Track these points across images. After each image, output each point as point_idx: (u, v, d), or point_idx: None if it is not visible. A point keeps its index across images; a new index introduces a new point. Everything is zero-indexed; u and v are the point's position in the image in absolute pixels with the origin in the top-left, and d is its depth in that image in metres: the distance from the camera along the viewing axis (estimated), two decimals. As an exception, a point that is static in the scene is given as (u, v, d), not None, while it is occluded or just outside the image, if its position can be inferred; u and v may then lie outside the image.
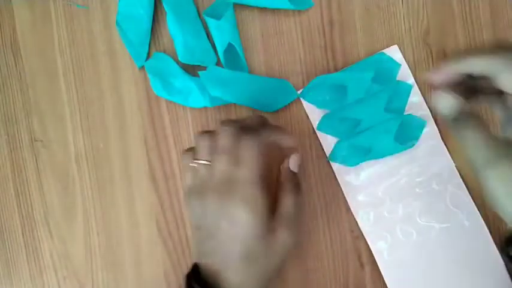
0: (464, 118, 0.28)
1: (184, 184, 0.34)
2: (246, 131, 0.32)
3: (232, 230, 0.31)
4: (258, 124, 0.34)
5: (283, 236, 0.31)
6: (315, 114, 0.40)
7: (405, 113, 0.40)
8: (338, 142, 0.40)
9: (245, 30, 0.41)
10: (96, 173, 0.41)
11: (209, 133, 0.33)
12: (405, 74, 0.40)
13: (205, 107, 0.41)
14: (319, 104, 0.40)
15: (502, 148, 0.26)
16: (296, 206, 0.33)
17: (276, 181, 0.35)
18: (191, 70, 0.41)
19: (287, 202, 0.33)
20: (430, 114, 0.40)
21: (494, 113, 0.28)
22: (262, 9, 0.41)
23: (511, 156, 0.26)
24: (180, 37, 0.39)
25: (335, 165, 0.40)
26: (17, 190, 0.42)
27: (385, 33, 0.41)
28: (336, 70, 0.41)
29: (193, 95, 0.39)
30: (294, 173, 0.35)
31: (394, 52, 0.40)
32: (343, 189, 0.40)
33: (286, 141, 0.34)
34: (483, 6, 0.41)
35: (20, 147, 0.42)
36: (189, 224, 0.41)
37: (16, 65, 0.42)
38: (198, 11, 0.41)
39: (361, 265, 0.40)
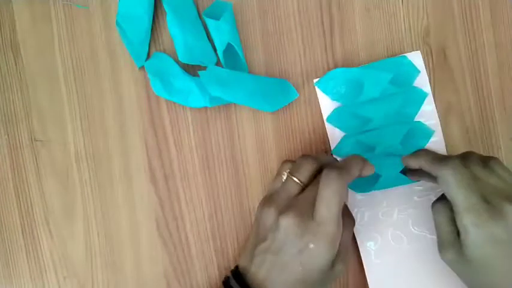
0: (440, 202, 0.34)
1: (271, 188, 0.36)
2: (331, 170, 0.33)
3: (302, 257, 0.32)
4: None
5: (339, 269, 0.33)
6: (327, 105, 0.40)
7: (415, 120, 0.40)
8: (345, 136, 0.40)
9: (245, 30, 0.41)
10: (96, 173, 0.41)
11: (316, 158, 0.35)
12: (423, 81, 0.40)
13: (205, 107, 0.41)
14: (333, 96, 0.40)
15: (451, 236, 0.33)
16: (349, 244, 0.35)
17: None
18: (191, 70, 0.41)
19: (348, 240, 0.35)
20: (440, 126, 0.40)
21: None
22: (262, 9, 0.41)
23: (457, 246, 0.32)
24: (180, 37, 0.39)
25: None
26: (17, 190, 0.42)
27: (385, 34, 0.41)
28: (336, 70, 0.41)
29: (193, 95, 0.39)
30: (349, 212, 0.37)
31: (415, 57, 0.40)
32: None
33: (368, 171, 0.35)
34: (483, 6, 0.41)
35: (20, 147, 0.42)
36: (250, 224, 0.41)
37: (16, 65, 0.42)
38: (198, 11, 0.41)
39: (361, 265, 0.40)
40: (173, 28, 0.39)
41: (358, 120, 0.39)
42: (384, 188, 0.39)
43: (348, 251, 0.35)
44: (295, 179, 0.34)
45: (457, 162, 0.32)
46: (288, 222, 0.32)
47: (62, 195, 0.42)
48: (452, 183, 0.32)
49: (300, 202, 0.33)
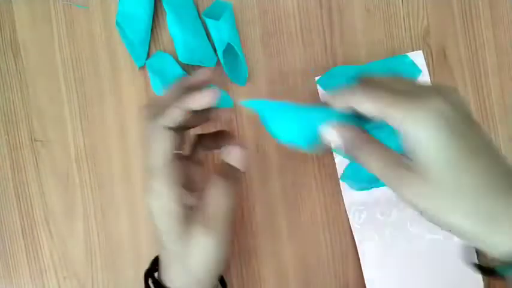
0: (357, 144, 0.28)
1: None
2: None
3: (153, 221, 0.29)
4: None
5: (198, 237, 0.28)
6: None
7: None
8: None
9: (245, 30, 0.41)
10: (96, 173, 0.41)
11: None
12: (424, 80, 0.40)
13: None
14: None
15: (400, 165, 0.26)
16: (221, 205, 0.29)
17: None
18: (191, 70, 0.41)
19: (208, 199, 0.29)
20: None
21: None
22: (262, 10, 0.41)
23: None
24: (180, 37, 0.39)
25: (337, 160, 0.40)
26: (17, 190, 0.42)
27: (385, 34, 0.41)
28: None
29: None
30: (229, 167, 0.31)
31: (417, 57, 0.40)
32: (341, 185, 0.40)
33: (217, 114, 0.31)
34: (483, 6, 0.41)
35: (20, 147, 0.42)
36: None
37: (16, 65, 0.42)
38: (198, 11, 0.41)
39: (361, 265, 0.40)
40: (173, 28, 0.39)
41: (359, 118, 0.39)
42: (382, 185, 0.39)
43: (217, 218, 0.29)
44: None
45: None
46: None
47: (62, 195, 0.41)
48: (369, 94, 0.26)
49: None
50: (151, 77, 0.39)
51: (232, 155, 0.31)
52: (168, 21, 0.39)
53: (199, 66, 0.40)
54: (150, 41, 0.41)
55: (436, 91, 0.25)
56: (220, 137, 0.33)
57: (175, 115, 0.28)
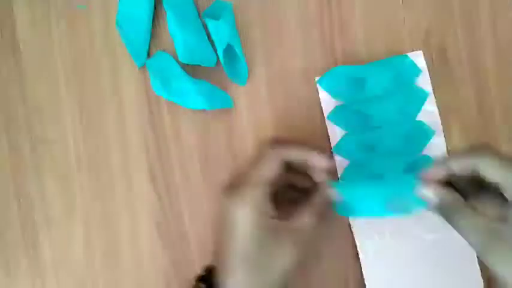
0: (454, 206, 0.31)
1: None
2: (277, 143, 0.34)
3: (231, 228, 0.32)
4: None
5: (285, 246, 0.32)
6: (328, 103, 0.40)
7: (417, 119, 0.40)
8: (345, 135, 0.40)
9: (245, 30, 0.41)
10: (96, 173, 0.41)
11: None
12: (424, 80, 0.40)
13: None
14: (334, 94, 0.40)
15: (493, 231, 0.29)
16: (309, 228, 0.33)
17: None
18: (191, 71, 0.41)
19: (304, 220, 0.33)
20: (441, 126, 0.40)
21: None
22: (262, 10, 0.41)
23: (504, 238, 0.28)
24: (180, 37, 0.39)
25: (337, 159, 0.40)
26: (17, 190, 0.42)
27: (385, 34, 0.41)
28: (336, 70, 0.41)
29: (191, 97, 0.39)
30: (323, 200, 0.35)
31: (417, 57, 0.40)
32: None
33: (315, 161, 0.34)
34: (483, 6, 0.41)
35: (20, 147, 0.42)
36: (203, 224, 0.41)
37: (16, 65, 0.42)
38: (198, 11, 0.41)
39: (361, 265, 0.40)
40: (173, 28, 0.39)
41: (359, 118, 0.39)
42: (365, 215, 0.38)
43: (299, 236, 0.33)
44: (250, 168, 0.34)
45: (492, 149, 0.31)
46: (223, 201, 0.33)
47: (62, 195, 0.41)
48: (499, 164, 0.30)
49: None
50: (151, 77, 0.39)
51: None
52: (168, 21, 0.39)
53: (199, 67, 0.40)
54: (150, 41, 0.41)
55: None
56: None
57: (295, 157, 0.33)
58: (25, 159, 0.42)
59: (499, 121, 0.40)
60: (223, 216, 0.32)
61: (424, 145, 0.39)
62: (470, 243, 0.30)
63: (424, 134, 0.39)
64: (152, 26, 0.41)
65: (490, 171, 0.30)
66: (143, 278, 0.41)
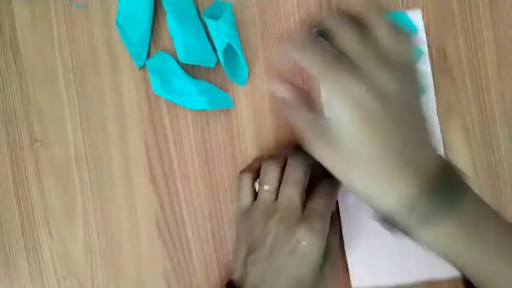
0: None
1: (240, 203, 0.36)
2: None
3: (295, 256, 0.32)
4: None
5: (328, 269, 0.34)
6: None
7: None
8: None
9: (245, 30, 0.41)
10: (96, 173, 0.41)
11: (276, 161, 0.35)
12: (421, 40, 0.40)
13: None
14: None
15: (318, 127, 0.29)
16: (337, 245, 0.36)
17: None
18: (191, 71, 0.41)
19: (335, 242, 0.36)
20: (433, 87, 0.40)
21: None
22: (262, 9, 0.41)
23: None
24: (180, 37, 0.39)
25: None
26: (17, 190, 0.42)
27: (385, 33, 0.41)
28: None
29: (192, 97, 0.39)
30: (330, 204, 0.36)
31: (415, 16, 0.40)
32: None
33: None
34: (483, 6, 0.41)
35: (20, 147, 0.42)
36: (232, 242, 0.41)
37: (16, 65, 0.42)
38: (198, 11, 0.41)
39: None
40: (173, 28, 0.39)
41: None
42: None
43: (335, 253, 0.36)
44: (266, 187, 0.34)
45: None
46: (276, 227, 0.33)
47: (62, 195, 0.41)
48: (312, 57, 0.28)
49: (282, 205, 0.33)
50: (151, 77, 0.39)
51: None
52: (168, 21, 0.39)
53: (199, 67, 0.40)
54: (150, 41, 0.41)
55: (377, 69, 0.27)
56: None
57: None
58: (25, 159, 0.42)
59: (499, 121, 0.40)
60: (277, 243, 0.33)
61: None
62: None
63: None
64: (152, 26, 0.41)
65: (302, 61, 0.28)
66: (143, 278, 0.41)
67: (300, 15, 0.41)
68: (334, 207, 0.34)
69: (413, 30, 0.39)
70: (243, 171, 0.37)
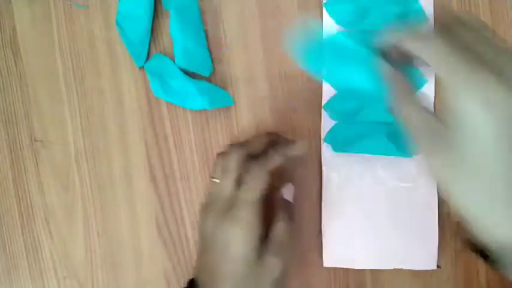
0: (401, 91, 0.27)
1: (208, 194, 0.36)
2: (255, 155, 0.34)
3: (226, 249, 0.32)
4: (266, 144, 0.36)
5: (271, 263, 0.32)
6: (329, 28, 0.40)
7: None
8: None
9: (245, 30, 0.41)
10: (96, 173, 0.41)
11: (223, 153, 0.35)
12: (429, 29, 0.40)
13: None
14: (337, 20, 0.40)
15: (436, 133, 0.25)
16: (286, 235, 0.33)
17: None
18: (190, 72, 0.40)
19: (278, 230, 0.33)
20: (434, 79, 0.40)
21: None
22: (262, 9, 0.41)
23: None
24: (180, 42, 0.39)
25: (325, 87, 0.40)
26: (17, 190, 0.42)
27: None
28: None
29: (192, 97, 0.39)
30: (288, 202, 0.36)
31: (427, 5, 0.39)
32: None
33: (294, 151, 0.35)
34: (483, 6, 0.41)
35: (20, 147, 0.42)
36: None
37: (16, 65, 0.42)
38: (202, 18, 0.41)
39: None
40: (175, 32, 0.39)
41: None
42: (366, 152, 0.39)
43: (284, 245, 0.33)
44: (215, 180, 0.34)
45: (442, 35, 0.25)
46: (210, 220, 0.33)
47: (62, 195, 0.42)
48: (444, 51, 0.23)
49: (217, 197, 0.33)
50: (150, 80, 0.39)
51: (288, 193, 0.36)
52: (171, 24, 0.39)
53: (193, 73, 0.40)
54: (150, 41, 0.41)
55: None
56: (279, 178, 0.36)
57: (277, 161, 0.33)
58: (25, 159, 0.42)
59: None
60: (212, 235, 0.32)
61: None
62: (410, 135, 0.26)
63: (415, 80, 0.39)
64: (152, 26, 0.41)
65: (429, 59, 0.24)
66: (143, 278, 0.41)
67: (300, 15, 0.41)
68: (259, 196, 0.32)
69: (423, 18, 0.39)
70: (214, 162, 0.36)
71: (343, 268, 0.40)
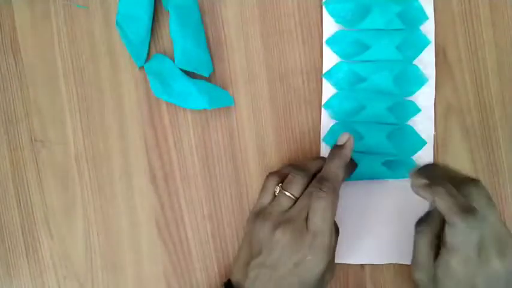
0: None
1: (259, 202, 0.36)
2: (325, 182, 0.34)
3: (298, 269, 0.32)
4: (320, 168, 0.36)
5: (327, 278, 0.35)
6: (329, 27, 0.40)
7: (413, 63, 0.40)
8: (339, 62, 0.40)
9: (245, 30, 0.41)
10: (96, 173, 0.41)
11: (306, 173, 0.35)
12: (429, 29, 0.40)
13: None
14: (337, 19, 0.40)
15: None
16: (335, 250, 0.36)
17: None
18: (190, 72, 0.40)
19: (334, 249, 0.35)
20: (435, 78, 0.40)
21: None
22: (262, 9, 0.41)
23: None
24: (180, 42, 0.39)
25: (325, 87, 0.40)
26: (17, 190, 0.42)
27: (385, 33, 0.41)
28: (336, 70, 0.41)
29: (192, 97, 0.39)
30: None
31: (426, 4, 0.40)
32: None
33: (345, 149, 0.35)
34: (483, 6, 0.41)
35: (20, 147, 0.42)
36: (237, 239, 0.41)
37: (16, 65, 0.42)
38: (202, 18, 0.41)
39: (361, 265, 0.40)
40: (175, 32, 0.39)
41: (357, 47, 0.39)
42: (364, 178, 0.39)
43: (334, 260, 0.36)
44: (288, 194, 0.34)
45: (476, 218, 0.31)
46: (284, 237, 0.32)
47: (62, 195, 0.42)
48: (463, 236, 0.30)
49: (294, 216, 0.33)
50: (150, 80, 0.39)
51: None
52: (170, 24, 0.39)
53: (193, 73, 0.40)
54: (150, 41, 0.41)
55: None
56: None
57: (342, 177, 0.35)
58: (25, 159, 0.42)
59: (499, 121, 0.40)
60: (276, 246, 0.33)
61: (414, 91, 0.40)
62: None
63: (416, 79, 0.40)
64: (152, 26, 0.41)
65: (452, 231, 0.31)
66: (143, 278, 0.41)
67: (300, 15, 0.41)
68: (335, 211, 0.33)
69: (423, 17, 0.39)
70: (271, 174, 0.37)
71: (343, 268, 0.40)
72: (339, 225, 0.36)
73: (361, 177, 0.39)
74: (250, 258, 0.34)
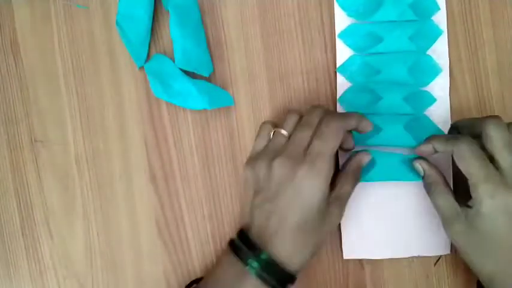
0: (434, 181, 0.36)
1: (253, 149, 0.37)
2: (331, 113, 0.35)
3: (296, 197, 0.33)
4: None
5: (334, 214, 0.34)
6: (341, 21, 0.40)
7: (426, 54, 0.40)
8: (353, 55, 0.40)
9: (245, 30, 0.41)
10: (96, 173, 0.41)
11: (300, 112, 0.36)
12: (441, 19, 0.40)
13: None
14: (349, 12, 0.40)
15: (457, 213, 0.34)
16: (349, 195, 0.36)
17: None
18: (190, 72, 0.40)
19: (346, 188, 0.36)
20: (448, 69, 0.40)
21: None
22: (262, 9, 0.41)
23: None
24: (180, 42, 0.39)
25: (340, 81, 0.40)
26: (17, 190, 0.42)
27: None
28: (335, 71, 0.41)
29: (192, 97, 0.39)
30: (359, 168, 0.37)
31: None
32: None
33: (366, 126, 0.36)
34: (483, 5, 0.41)
35: (20, 147, 0.42)
36: (238, 188, 0.41)
37: (16, 65, 0.42)
38: (202, 19, 0.41)
39: (361, 265, 0.40)
40: (174, 32, 0.39)
41: (370, 39, 0.39)
42: (380, 179, 0.39)
43: (345, 203, 0.36)
44: (283, 132, 0.35)
45: (470, 138, 0.33)
46: (280, 166, 0.33)
47: (62, 195, 0.41)
48: (468, 156, 0.32)
49: (290, 146, 0.34)
50: (150, 81, 0.39)
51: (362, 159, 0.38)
52: (171, 24, 0.39)
53: (193, 73, 0.40)
54: (150, 41, 0.41)
55: None
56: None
57: (352, 125, 0.35)
58: (25, 159, 0.42)
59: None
60: (274, 180, 0.33)
61: (428, 81, 0.40)
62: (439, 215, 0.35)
63: (430, 69, 0.39)
64: (152, 26, 0.41)
65: (461, 162, 0.33)
66: (143, 278, 0.41)
67: (300, 15, 0.41)
68: (335, 150, 0.34)
69: (435, 8, 0.39)
70: (265, 121, 0.38)
71: (342, 268, 0.40)
72: (358, 220, 0.38)
73: (381, 178, 0.39)
74: (254, 198, 0.35)
